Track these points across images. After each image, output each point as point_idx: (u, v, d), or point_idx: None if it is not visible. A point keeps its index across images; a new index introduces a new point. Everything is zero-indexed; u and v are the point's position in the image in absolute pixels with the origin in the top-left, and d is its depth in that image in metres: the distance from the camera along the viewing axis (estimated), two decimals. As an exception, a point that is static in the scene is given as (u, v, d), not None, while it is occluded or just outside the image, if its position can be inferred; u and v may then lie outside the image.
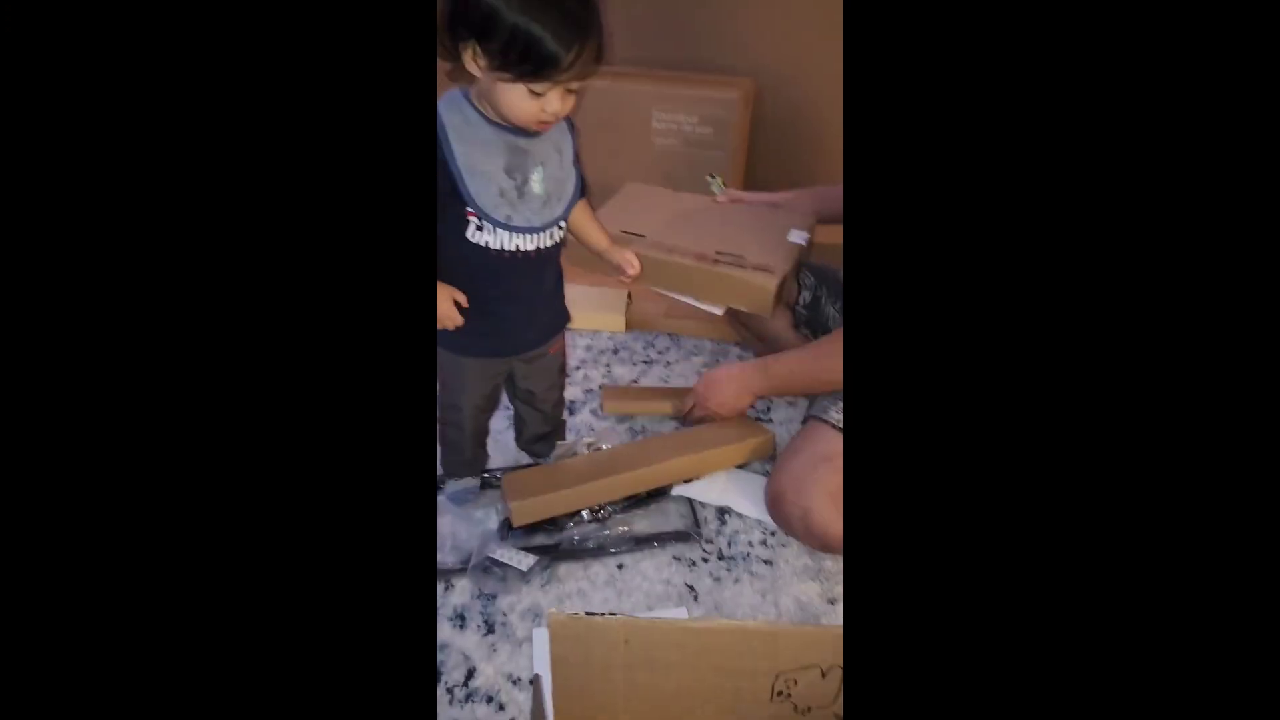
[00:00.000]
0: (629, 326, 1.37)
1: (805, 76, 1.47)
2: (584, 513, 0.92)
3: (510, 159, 0.72)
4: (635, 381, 1.24)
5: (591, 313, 1.36)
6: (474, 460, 0.97)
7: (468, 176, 0.70)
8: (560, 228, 0.79)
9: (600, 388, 1.19)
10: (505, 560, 0.85)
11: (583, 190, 0.82)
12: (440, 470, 0.96)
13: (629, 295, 1.39)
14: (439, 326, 0.76)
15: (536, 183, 0.74)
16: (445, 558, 0.87)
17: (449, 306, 0.75)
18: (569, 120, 0.77)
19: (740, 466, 1.02)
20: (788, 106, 1.51)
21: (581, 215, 0.85)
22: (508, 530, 0.90)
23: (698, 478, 0.98)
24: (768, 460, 1.03)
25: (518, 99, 0.66)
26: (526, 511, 0.88)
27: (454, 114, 0.70)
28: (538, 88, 0.65)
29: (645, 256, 0.91)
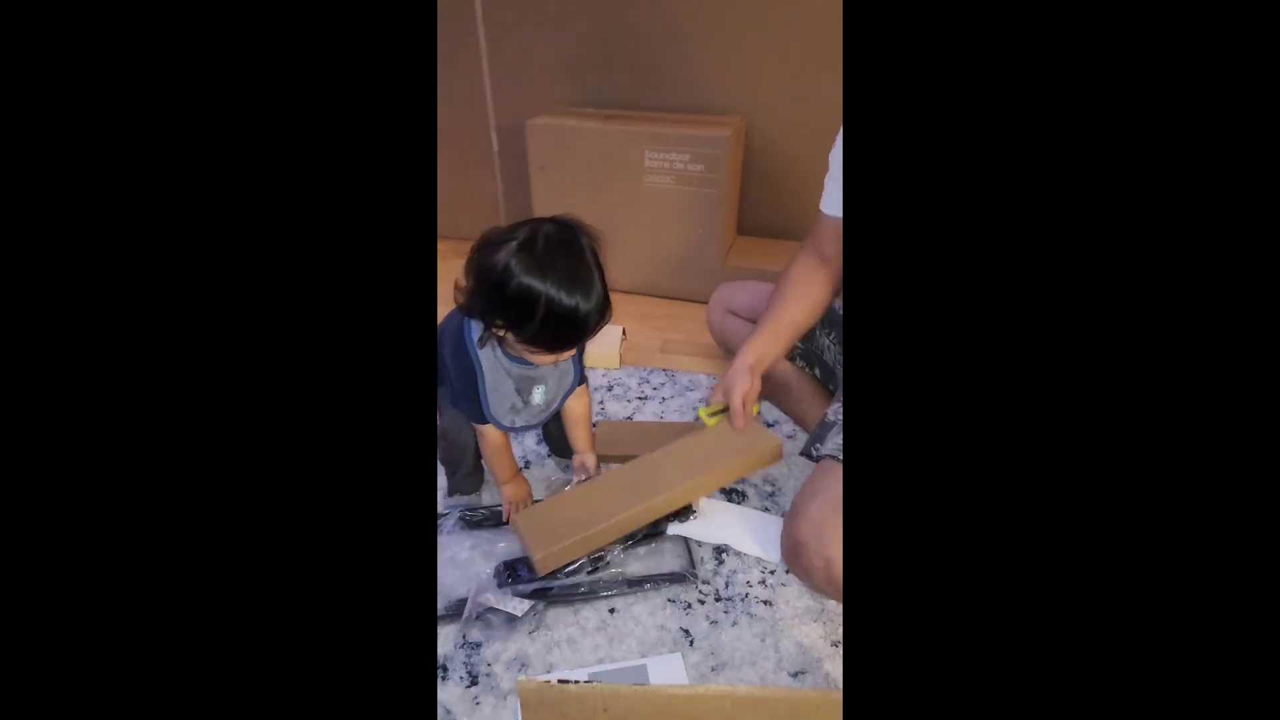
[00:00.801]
0: (623, 363, 1.36)
1: (793, 114, 1.48)
2: (581, 556, 0.89)
3: (520, 384, 0.86)
4: (630, 417, 1.21)
5: (587, 349, 1.34)
6: (473, 473, 1.02)
7: (489, 398, 0.85)
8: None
9: (595, 425, 1.17)
10: (500, 606, 0.81)
11: (582, 376, 0.93)
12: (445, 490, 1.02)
13: (623, 331, 1.37)
14: (513, 511, 0.92)
15: (538, 395, 0.88)
16: (430, 604, 0.84)
17: (523, 494, 0.94)
18: None
19: (742, 503, 0.98)
20: (777, 143, 1.53)
21: (576, 406, 0.95)
22: (505, 576, 0.86)
23: (719, 489, 0.95)
24: (767, 497, 0.99)
25: (541, 357, 0.80)
26: (553, 561, 0.84)
27: (488, 355, 0.83)
28: (563, 355, 0.79)
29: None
